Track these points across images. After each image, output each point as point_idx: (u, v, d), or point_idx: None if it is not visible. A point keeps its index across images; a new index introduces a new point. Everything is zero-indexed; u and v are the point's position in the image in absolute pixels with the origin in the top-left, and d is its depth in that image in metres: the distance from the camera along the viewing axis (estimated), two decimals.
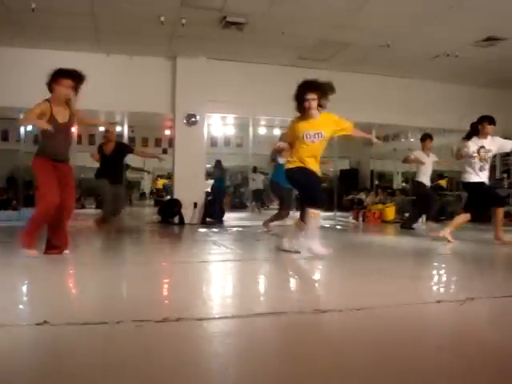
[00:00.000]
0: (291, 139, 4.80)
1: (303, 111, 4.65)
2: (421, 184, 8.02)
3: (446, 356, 1.88)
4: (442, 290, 3.38)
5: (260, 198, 14.21)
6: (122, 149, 7.54)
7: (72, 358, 1.80)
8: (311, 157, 4.68)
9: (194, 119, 9.20)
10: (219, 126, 13.89)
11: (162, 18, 7.19)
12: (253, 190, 13.68)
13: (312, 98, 4.58)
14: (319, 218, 4.66)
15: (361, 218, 10.63)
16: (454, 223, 6.15)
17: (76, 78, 4.36)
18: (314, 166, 4.72)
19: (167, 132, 11.98)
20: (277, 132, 13.51)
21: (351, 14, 7.07)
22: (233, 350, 1.96)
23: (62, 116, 4.37)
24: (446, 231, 5.98)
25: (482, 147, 5.97)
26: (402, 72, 10.09)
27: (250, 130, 10.58)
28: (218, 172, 10.72)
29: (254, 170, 13.66)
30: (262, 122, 12.53)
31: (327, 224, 10.14)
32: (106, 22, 7.50)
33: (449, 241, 5.87)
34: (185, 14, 7.10)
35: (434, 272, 4.10)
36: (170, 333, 2.12)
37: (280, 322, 2.32)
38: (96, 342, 2.02)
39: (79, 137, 13.79)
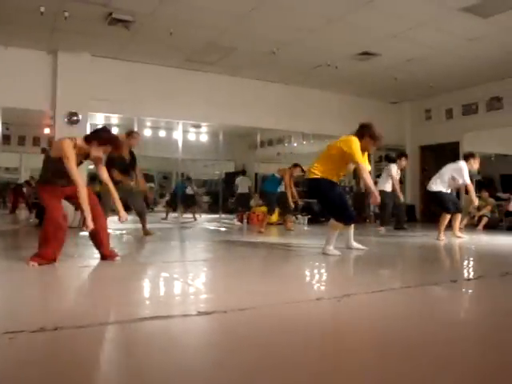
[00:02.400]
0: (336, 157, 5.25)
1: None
2: (383, 192, 8.71)
3: (325, 349, 1.99)
4: (322, 288, 3.56)
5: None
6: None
7: None
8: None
9: (75, 118, 8.78)
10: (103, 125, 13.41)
11: (42, 9, 6.76)
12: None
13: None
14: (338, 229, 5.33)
15: (245, 220, 10.83)
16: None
17: None
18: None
19: (47, 130, 11.34)
20: (162, 134, 13.37)
21: (239, 19, 7.20)
22: (115, 357, 1.91)
23: None
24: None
25: None
26: (286, 79, 10.48)
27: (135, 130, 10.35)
28: None
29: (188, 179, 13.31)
30: (148, 123, 12.33)
31: (211, 226, 10.22)
32: None
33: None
34: (67, 6, 6.76)
35: (316, 271, 4.30)
36: (48, 343, 2.02)
37: (164, 325, 2.30)
38: None
39: None
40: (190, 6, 6.76)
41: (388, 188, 9.18)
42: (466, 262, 5.38)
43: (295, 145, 13.32)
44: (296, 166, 9.01)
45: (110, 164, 6.63)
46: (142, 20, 7.28)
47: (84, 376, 1.68)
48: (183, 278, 3.76)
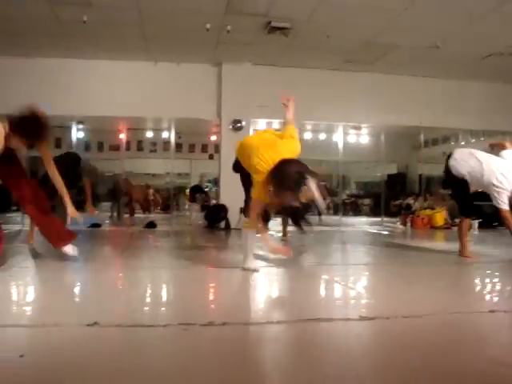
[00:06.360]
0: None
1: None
2: None
3: (503, 366, 1.81)
4: (495, 299, 3.25)
5: None
6: None
7: (120, 359, 1.83)
8: None
9: (239, 124, 9.26)
10: None
11: (208, 26, 7.29)
12: None
13: None
14: (249, 231, 4.16)
15: (409, 224, 10.40)
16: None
17: None
18: None
19: (213, 138, 12.08)
20: (323, 137, 13.45)
21: (397, 15, 6.94)
22: (278, 355, 1.95)
23: None
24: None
25: None
26: (450, 73, 9.84)
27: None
28: None
29: None
30: (309, 127, 12.48)
31: (374, 230, 9.99)
32: (153, 31, 7.68)
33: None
34: (229, 20, 7.18)
35: (487, 280, 3.95)
36: (215, 337, 2.13)
37: (326, 328, 2.29)
38: (143, 344, 2.05)
39: None
40: (345, 7, 6.70)
41: None
42: None
43: (463, 143, 12.47)
44: None
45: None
46: (299, 26, 7.41)
47: (250, 370, 1.74)
48: (344, 281, 3.71)
